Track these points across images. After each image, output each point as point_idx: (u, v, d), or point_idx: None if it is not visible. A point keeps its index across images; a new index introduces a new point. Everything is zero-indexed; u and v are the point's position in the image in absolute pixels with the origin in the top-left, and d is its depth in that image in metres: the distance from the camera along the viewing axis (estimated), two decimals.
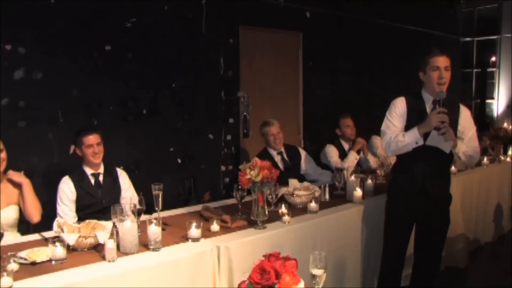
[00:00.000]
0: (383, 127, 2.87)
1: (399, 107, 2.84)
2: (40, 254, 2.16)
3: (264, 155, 3.85)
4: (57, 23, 3.65)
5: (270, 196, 2.92)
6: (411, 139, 2.71)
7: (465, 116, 2.84)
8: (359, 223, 3.15)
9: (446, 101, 2.75)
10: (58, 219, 2.57)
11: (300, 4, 5.42)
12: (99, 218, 2.58)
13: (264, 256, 1.55)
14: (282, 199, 3.06)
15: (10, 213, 2.86)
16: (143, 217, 2.53)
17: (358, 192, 3.22)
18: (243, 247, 2.45)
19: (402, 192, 2.91)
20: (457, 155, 2.77)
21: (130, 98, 4.12)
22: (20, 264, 2.09)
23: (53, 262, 2.10)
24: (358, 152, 4.39)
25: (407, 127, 2.78)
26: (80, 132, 3.10)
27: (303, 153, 4.17)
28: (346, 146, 4.45)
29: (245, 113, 4.96)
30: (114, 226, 2.34)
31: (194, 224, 2.42)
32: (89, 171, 3.12)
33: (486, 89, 8.62)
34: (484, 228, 4.62)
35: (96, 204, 3.07)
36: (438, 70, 2.71)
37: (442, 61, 2.71)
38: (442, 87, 2.73)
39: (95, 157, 3.06)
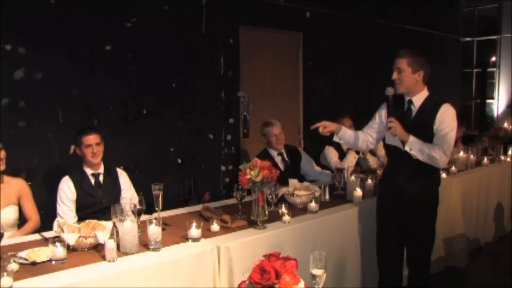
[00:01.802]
0: None
1: (380, 110, 2.97)
2: (40, 254, 2.16)
3: (264, 155, 3.84)
4: (57, 23, 3.65)
5: (270, 196, 2.92)
6: None
7: (442, 115, 2.72)
8: (359, 223, 3.15)
9: (428, 99, 2.78)
10: (58, 219, 2.57)
11: (300, 4, 5.42)
12: (99, 218, 2.58)
13: (264, 256, 1.55)
14: (282, 199, 3.06)
15: (10, 213, 2.86)
16: (143, 217, 2.53)
17: (358, 192, 3.23)
18: (243, 247, 2.45)
19: (383, 192, 2.97)
20: (411, 153, 2.69)
21: (130, 98, 4.12)
22: (20, 264, 2.09)
23: (53, 262, 2.11)
24: (357, 152, 4.40)
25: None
26: (79, 132, 3.10)
27: (303, 154, 4.17)
28: (344, 146, 4.44)
29: (245, 113, 4.96)
30: (114, 226, 2.34)
31: (194, 224, 2.42)
32: (89, 171, 3.12)
33: (486, 89, 8.60)
34: (484, 228, 4.62)
35: (96, 204, 3.06)
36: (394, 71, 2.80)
37: (395, 63, 2.78)
38: (397, 86, 2.78)
39: (94, 157, 3.06)
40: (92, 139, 3.05)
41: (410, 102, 2.80)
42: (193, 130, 4.58)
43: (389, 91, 2.77)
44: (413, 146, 2.68)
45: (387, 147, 2.94)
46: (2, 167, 2.83)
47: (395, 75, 2.76)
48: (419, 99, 2.79)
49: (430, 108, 2.75)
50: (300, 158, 4.11)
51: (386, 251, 2.98)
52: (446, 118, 2.72)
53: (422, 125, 2.74)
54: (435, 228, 2.91)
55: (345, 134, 2.98)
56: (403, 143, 2.72)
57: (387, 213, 2.93)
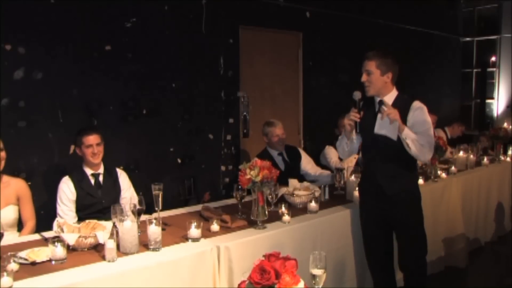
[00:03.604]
0: None
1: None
2: (40, 254, 2.16)
3: (265, 155, 3.84)
4: (57, 23, 3.65)
5: (270, 196, 2.92)
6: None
7: (414, 113, 2.75)
8: (359, 223, 3.15)
9: (398, 98, 2.79)
10: (58, 219, 2.57)
11: (300, 4, 5.42)
12: (99, 218, 2.58)
13: (264, 256, 1.55)
14: (282, 199, 3.06)
15: (9, 213, 2.86)
16: (143, 217, 2.53)
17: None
18: (243, 247, 2.45)
19: (365, 195, 2.96)
20: (405, 141, 2.66)
21: (130, 98, 4.12)
22: (20, 264, 2.09)
23: (53, 262, 2.10)
24: (357, 152, 4.39)
25: (361, 128, 2.84)
26: (80, 132, 3.10)
27: (303, 154, 4.17)
28: None
29: (245, 113, 4.96)
30: (114, 226, 2.34)
31: (194, 224, 2.42)
32: (89, 171, 3.12)
33: (486, 89, 8.60)
34: (484, 228, 4.62)
35: (96, 204, 3.06)
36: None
37: (363, 65, 2.79)
38: (367, 89, 2.80)
39: (94, 157, 3.06)
40: (92, 139, 3.05)
41: (381, 102, 2.80)
42: (193, 130, 4.58)
43: (357, 95, 2.79)
44: (408, 135, 2.67)
45: (364, 148, 2.97)
46: (2, 167, 2.83)
47: (364, 78, 2.78)
48: (389, 98, 2.81)
49: (402, 107, 2.75)
50: (300, 158, 4.11)
51: (374, 255, 2.98)
52: (419, 116, 2.75)
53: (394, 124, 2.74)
54: (423, 226, 2.89)
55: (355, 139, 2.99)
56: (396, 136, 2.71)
57: (372, 215, 2.92)
